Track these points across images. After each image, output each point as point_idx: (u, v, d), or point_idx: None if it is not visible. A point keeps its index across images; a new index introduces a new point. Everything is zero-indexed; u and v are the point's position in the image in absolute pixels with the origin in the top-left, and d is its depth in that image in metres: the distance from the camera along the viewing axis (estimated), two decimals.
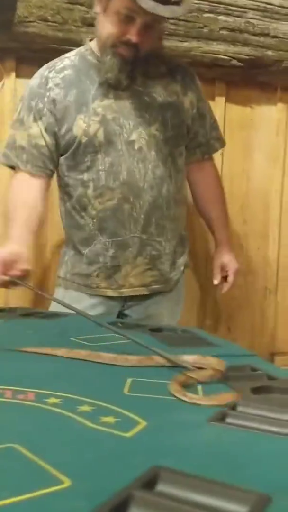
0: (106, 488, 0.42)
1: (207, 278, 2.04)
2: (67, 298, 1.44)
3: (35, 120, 1.37)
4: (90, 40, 1.42)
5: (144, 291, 1.45)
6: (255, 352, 0.95)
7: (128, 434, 0.54)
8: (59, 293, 1.50)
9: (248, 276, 2.09)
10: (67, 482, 0.45)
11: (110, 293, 1.45)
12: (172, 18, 1.43)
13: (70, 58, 1.41)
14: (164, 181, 1.39)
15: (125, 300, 1.47)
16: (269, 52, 1.84)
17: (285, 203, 2.11)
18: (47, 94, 1.36)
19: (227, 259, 1.58)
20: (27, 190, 1.39)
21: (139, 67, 1.34)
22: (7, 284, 1.23)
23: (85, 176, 1.38)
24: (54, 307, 1.43)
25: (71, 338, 1.00)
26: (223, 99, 1.99)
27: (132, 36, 1.27)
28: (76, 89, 1.36)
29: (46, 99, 1.36)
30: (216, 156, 1.84)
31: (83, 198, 1.39)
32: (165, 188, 1.39)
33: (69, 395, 0.68)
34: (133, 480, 0.42)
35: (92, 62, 1.38)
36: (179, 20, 1.71)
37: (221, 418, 0.60)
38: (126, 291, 1.44)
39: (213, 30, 1.78)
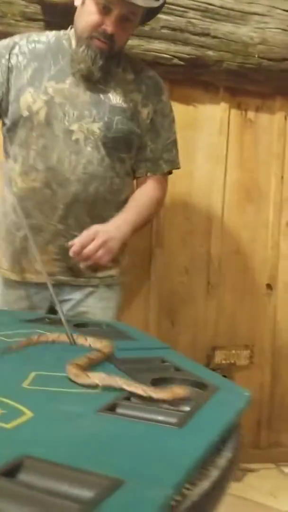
0: None
1: (150, 273, 2.07)
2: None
3: None
4: (71, 29, 1.43)
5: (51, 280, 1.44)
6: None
7: (9, 425, 0.55)
8: None
9: (191, 272, 2.12)
10: None
11: (13, 276, 1.45)
12: (150, 9, 1.38)
13: (48, 36, 1.44)
14: (94, 180, 1.38)
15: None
16: (210, 52, 1.87)
17: (227, 201, 2.16)
18: (9, 57, 1.38)
19: (99, 227, 1.36)
20: None
21: (112, 64, 1.37)
22: None
23: (17, 150, 1.40)
24: None
25: None
26: None
27: (108, 27, 1.30)
28: (38, 63, 1.38)
29: (6, 61, 1.38)
30: None
31: (10, 172, 1.41)
32: (93, 186, 1.39)
33: None
34: None
35: (65, 48, 1.40)
36: None
37: (110, 408, 0.62)
38: (29, 277, 1.43)
39: (155, 29, 1.80)
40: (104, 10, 1.29)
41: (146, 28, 1.79)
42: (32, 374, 0.75)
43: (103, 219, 1.41)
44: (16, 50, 1.39)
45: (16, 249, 1.43)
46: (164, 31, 1.82)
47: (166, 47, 1.83)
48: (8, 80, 1.38)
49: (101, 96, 1.39)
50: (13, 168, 1.40)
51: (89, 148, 1.38)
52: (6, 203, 1.46)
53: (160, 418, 0.59)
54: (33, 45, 1.40)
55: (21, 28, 1.70)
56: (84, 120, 1.37)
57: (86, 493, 0.40)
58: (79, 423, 0.57)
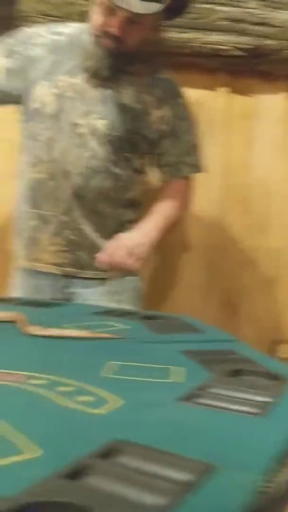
0: (69, 458, 0.46)
1: (212, 266, 2.07)
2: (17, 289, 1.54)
3: (5, 55, 1.42)
4: None
5: (55, 271, 1.48)
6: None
7: (100, 411, 0.58)
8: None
9: (251, 265, 2.11)
10: (36, 452, 0.49)
11: (25, 264, 1.50)
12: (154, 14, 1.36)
13: (71, 27, 1.47)
14: (96, 175, 1.40)
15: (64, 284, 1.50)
16: (269, 41, 1.85)
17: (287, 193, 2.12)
18: (29, 46, 1.42)
19: (126, 236, 1.40)
20: None
21: (123, 64, 1.37)
22: None
23: (27, 142, 1.44)
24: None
25: (64, 325, 1.04)
26: (226, 89, 2.00)
27: (113, 28, 1.30)
28: (56, 56, 1.41)
29: (26, 50, 1.42)
30: (216, 148, 1.86)
31: (20, 163, 1.45)
32: (95, 181, 1.40)
33: (52, 377, 0.72)
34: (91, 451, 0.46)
35: (83, 42, 1.42)
36: None
37: (191, 397, 0.64)
38: (39, 266, 1.47)
39: (212, 21, 1.79)
40: (109, 11, 1.30)
41: (203, 20, 1.79)
42: (109, 363, 0.78)
43: (106, 216, 1.44)
44: (38, 40, 1.43)
45: (27, 238, 1.47)
46: (222, 22, 1.81)
47: (224, 38, 1.82)
48: (25, 70, 1.41)
49: (110, 94, 1.40)
50: (23, 159, 1.45)
51: (93, 143, 1.40)
52: (18, 194, 1.50)
53: (243, 408, 0.61)
54: (55, 37, 1.43)
55: None
56: (91, 116, 1.39)
57: (182, 476, 0.42)
58: (163, 411, 0.59)
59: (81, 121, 1.38)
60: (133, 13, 1.26)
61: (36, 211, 1.44)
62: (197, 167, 1.51)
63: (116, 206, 1.46)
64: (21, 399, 0.65)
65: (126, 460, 0.46)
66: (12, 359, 0.80)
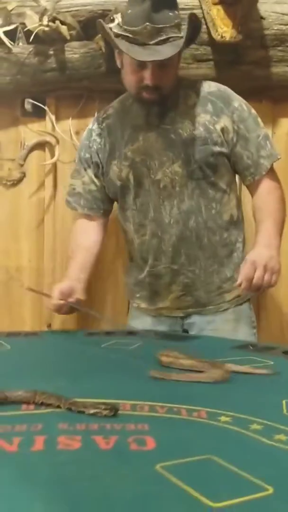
0: None
1: None
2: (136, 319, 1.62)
3: (85, 168, 1.58)
4: None
5: (180, 313, 1.55)
6: None
7: None
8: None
9: None
10: (269, 489, 0.54)
11: (150, 313, 1.58)
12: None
13: (114, 106, 1.59)
14: (191, 214, 1.46)
15: (182, 319, 1.56)
16: None
17: None
18: (91, 145, 1.57)
19: (254, 255, 1.34)
20: (85, 234, 1.61)
21: (168, 104, 1.45)
22: (63, 309, 1.44)
23: (127, 214, 1.54)
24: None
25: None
26: None
27: (148, 80, 1.37)
28: (113, 136, 1.53)
29: (90, 149, 1.57)
30: None
31: (128, 233, 1.57)
32: (192, 220, 1.46)
33: (236, 414, 0.78)
34: None
35: (129, 108, 1.53)
36: (287, 46, 1.77)
37: None
38: (164, 312, 1.56)
39: None
40: (140, 67, 1.37)
41: None
42: (284, 401, 0.83)
43: (213, 246, 1.49)
44: (93, 136, 1.57)
45: (145, 292, 1.59)
46: None
47: None
48: (98, 165, 1.55)
49: (172, 136, 1.46)
50: (128, 229, 1.56)
51: (177, 189, 1.46)
52: (128, 255, 1.65)
53: None
54: (103, 124, 1.56)
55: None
56: (165, 165, 1.45)
57: None
58: None
59: (159, 175, 1.46)
60: (162, 60, 1.33)
61: (148, 269, 1.54)
62: (272, 156, 1.50)
63: (219, 233, 1.50)
64: (221, 436, 0.70)
65: None
66: (190, 396, 0.86)
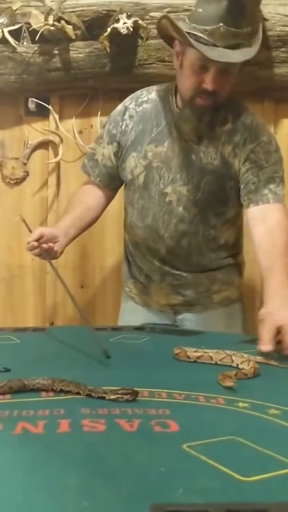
0: None
1: None
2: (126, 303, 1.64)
3: (109, 142, 1.51)
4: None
5: (167, 309, 1.56)
6: None
7: None
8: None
9: None
10: None
11: (137, 300, 1.59)
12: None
13: (157, 91, 1.49)
14: (185, 236, 1.46)
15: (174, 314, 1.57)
16: None
17: None
18: (121, 123, 1.48)
19: (280, 318, 1.15)
20: (91, 195, 1.55)
21: (217, 117, 1.40)
22: (35, 251, 1.38)
23: (128, 207, 1.54)
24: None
25: None
26: None
27: (208, 84, 1.31)
28: (142, 126, 1.46)
29: (119, 128, 1.49)
30: None
31: (126, 225, 1.58)
32: (185, 241, 1.46)
33: (253, 401, 0.79)
34: None
35: (170, 104, 1.44)
36: None
37: None
38: (152, 305, 1.57)
39: None
40: (202, 69, 1.30)
41: None
42: None
43: (201, 265, 1.51)
44: (126, 115, 1.48)
45: (138, 284, 1.59)
46: None
47: None
48: (120, 146, 1.48)
49: (193, 157, 1.42)
50: (126, 222, 1.57)
51: (180, 209, 1.44)
52: (125, 245, 1.63)
53: None
54: (140, 107, 1.47)
55: None
56: (177, 183, 1.44)
57: None
58: None
59: (168, 189, 1.44)
60: (229, 64, 1.28)
61: (141, 265, 1.56)
62: (279, 197, 1.40)
63: (209, 255, 1.51)
64: (242, 419, 0.72)
65: None
66: (205, 385, 0.87)
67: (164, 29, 1.39)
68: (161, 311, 1.58)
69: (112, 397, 0.77)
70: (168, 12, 1.80)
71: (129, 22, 1.72)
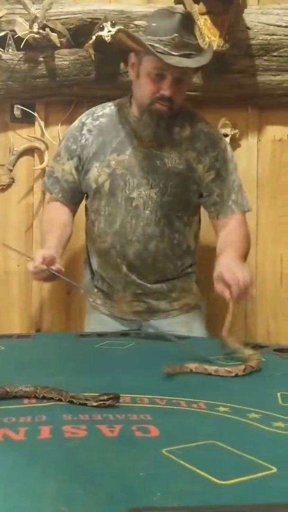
0: None
1: None
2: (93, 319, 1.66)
3: (68, 158, 1.57)
4: (131, 97, 1.54)
5: (131, 316, 1.59)
6: None
7: None
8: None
9: None
10: (273, 469, 0.56)
11: (102, 310, 1.62)
12: (198, 69, 1.50)
13: (110, 107, 1.58)
14: (153, 239, 1.51)
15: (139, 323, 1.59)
16: None
17: None
18: (80, 138, 1.56)
19: (225, 263, 1.34)
20: (62, 212, 1.61)
21: (173, 124, 1.48)
22: (42, 274, 1.41)
23: (93, 216, 1.58)
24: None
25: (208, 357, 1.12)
26: None
27: (165, 91, 1.41)
28: (102, 138, 1.53)
29: (79, 142, 1.56)
30: None
31: (91, 234, 1.60)
32: (152, 244, 1.51)
33: (234, 405, 0.80)
34: None
35: (126, 117, 1.53)
36: (273, 56, 1.83)
37: None
38: (116, 313, 1.60)
39: None
40: (158, 77, 1.41)
41: None
42: (279, 394, 0.85)
43: (165, 270, 1.55)
44: (84, 130, 1.55)
45: (101, 294, 1.62)
46: None
47: None
48: (80, 160, 1.55)
49: (157, 162, 1.49)
50: (92, 231, 1.59)
51: (147, 212, 1.50)
52: (89, 257, 1.66)
53: None
54: (97, 121, 1.56)
55: None
56: (143, 187, 1.49)
57: None
58: None
59: (134, 194, 1.49)
60: (185, 69, 1.38)
61: (105, 275, 1.59)
62: (243, 206, 1.55)
63: (174, 261, 1.56)
64: (222, 424, 0.73)
65: None
66: (188, 390, 0.88)
67: (120, 42, 1.49)
68: (125, 319, 1.60)
69: (94, 404, 0.77)
70: None
71: (114, 30, 1.73)
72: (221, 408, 0.79)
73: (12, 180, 2.01)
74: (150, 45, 1.37)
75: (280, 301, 1.98)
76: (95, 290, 1.63)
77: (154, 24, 1.43)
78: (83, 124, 1.57)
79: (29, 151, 2.01)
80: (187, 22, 1.45)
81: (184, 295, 1.60)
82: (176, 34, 1.37)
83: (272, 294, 1.98)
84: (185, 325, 1.59)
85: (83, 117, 1.59)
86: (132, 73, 1.49)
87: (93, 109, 1.61)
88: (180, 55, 1.37)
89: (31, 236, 2.01)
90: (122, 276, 1.55)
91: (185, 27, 1.41)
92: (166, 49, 1.37)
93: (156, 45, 1.38)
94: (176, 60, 1.37)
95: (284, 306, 1.97)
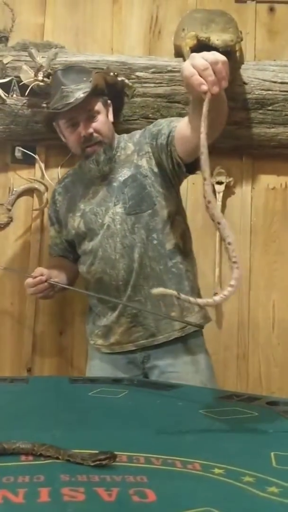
0: None
1: None
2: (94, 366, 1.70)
3: (50, 225, 1.80)
4: None
5: (131, 347, 1.61)
6: None
7: None
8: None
9: None
10: None
11: (104, 350, 1.65)
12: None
13: (74, 168, 1.81)
14: (134, 247, 1.57)
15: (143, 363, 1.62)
16: None
17: None
18: (54, 206, 1.77)
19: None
20: (61, 258, 1.78)
21: (114, 151, 1.63)
22: (40, 288, 1.56)
23: (82, 258, 1.68)
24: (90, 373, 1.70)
25: (200, 411, 1.13)
26: None
27: (83, 131, 1.57)
28: (71, 194, 1.72)
29: (54, 209, 1.77)
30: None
31: (85, 276, 1.69)
32: (136, 252, 1.57)
33: (228, 466, 0.81)
34: None
35: (83, 167, 1.67)
36: (268, 110, 1.90)
37: None
38: (116, 348, 1.62)
39: None
40: (73, 127, 1.59)
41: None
42: (272, 454, 0.87)
43: (157, 274, 1.57)
44: (56, 196, 1.76)
45: (101, 330, 1.66)
46: None
47: None
48: (59, 222, 1.74)
49: (114, 183, 1.62)
50: (82, 271, 1.69)
51: (118, 226, 1.59)
52: (89, 299, 1.73)
53: None
54: (63, 183, 1.77)
55: None
56: (110, 210, 1.60)
57: None
58: None
59: (106, 220, 1.60)
60: (80, 101, 1.53)
61: (102, 304, 1.64)
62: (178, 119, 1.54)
63: (163, 262, 1.58)
64: (217, 488, 0.74)
65: None
66: (183, 447, 0.89)
67: (46, 121, 1.71)
68: (125, 353, 1.61)
69: (91, 464, 0.78)
70: (153, 72, 1.90)
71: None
72: (216, 470, 0.80)
73: (11, 219, 2.04)
74: (54, 108, 1.59)
75: (272, 347, 2.00)
76: (96, 330, 1.66)
77: (52, 92, 1.65)
78: (55, 191, 1.79)
79: (28, 192, 2.06)
80: (71, 68, 1.65)
81: (185, 314, 1.59)
82: (62, 86, 1.57)
83: (264, 340, 2.00)
84: (189, 366, 1.60)
85: (55, 186, 1.82)
86: (62, 138, 1.68)
87: (64, 175, 1.84)
88: (75, 99, 1.53)
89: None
90: (120, 297, 1.58)
91: (67, 75, 1.60)
92: (62, 101, 1.56)
93: (55, 105, 1.59)
94: (68, 102, 1.54)
95: (276, 352, 2.00)
